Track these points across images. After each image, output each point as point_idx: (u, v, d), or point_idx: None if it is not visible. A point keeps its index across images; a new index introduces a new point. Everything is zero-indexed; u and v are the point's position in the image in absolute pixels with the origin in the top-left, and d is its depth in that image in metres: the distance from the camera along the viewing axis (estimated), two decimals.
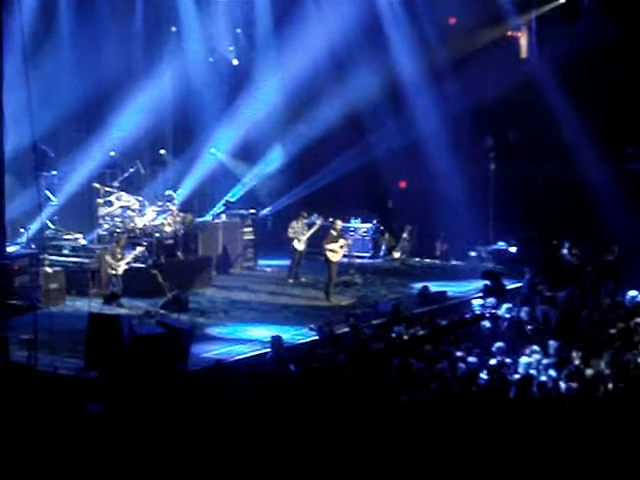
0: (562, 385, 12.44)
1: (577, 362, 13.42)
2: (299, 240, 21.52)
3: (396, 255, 24.44)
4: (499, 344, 14.42)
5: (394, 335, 15.28)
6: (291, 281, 21.54)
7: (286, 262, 22.15)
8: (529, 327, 16.12)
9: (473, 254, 24.00)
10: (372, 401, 11.52)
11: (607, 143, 23.03)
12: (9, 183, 14.20)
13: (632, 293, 16.97)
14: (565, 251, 21.86)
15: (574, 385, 12.40)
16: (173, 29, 24.12)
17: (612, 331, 15.12)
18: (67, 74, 21.55)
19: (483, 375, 12.95)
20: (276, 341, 14.71)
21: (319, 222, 21.95)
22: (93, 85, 21.31)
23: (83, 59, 21.54)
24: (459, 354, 13.72)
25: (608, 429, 10.57)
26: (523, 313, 16.70)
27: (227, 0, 24.25)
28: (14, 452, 10.53)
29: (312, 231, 21.63)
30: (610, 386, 12.41)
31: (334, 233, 20.24)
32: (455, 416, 11.15)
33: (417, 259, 24.39)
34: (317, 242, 20.93)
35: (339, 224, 20.57)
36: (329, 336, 15.83)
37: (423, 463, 10.03)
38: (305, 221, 21.96)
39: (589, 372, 12.92)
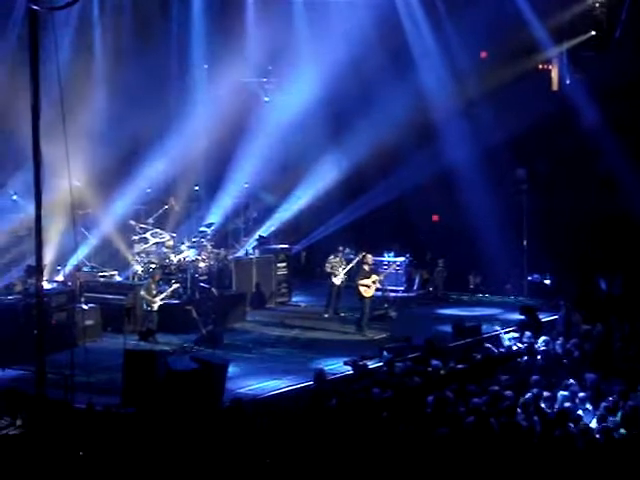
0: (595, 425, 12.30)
1: (615, 396, 13.29)
2: (336, 275, 21.51)
3: (430, 288, 24.39)
4: (535, 377, 14.33)
5: (430, 370, 15.23)
6: (326, 315, 21.51)
7: (320, 297, 22.14)
8: (565, 360, 16.01)
9: (508, 287, 23.91)
10: (409, 433, 11.48)
11: None
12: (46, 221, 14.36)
13: None
14: (601, 283, 21.73)
15: (614, 419, 12.25)
16: (205, 67, 24.41)
17: None
18: (104, 113, 21.88)
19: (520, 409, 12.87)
20: (319, 374, 14.71)
21: (358, 258, 21.85)
22: (129, 126, 21.59)
23: (119, 100, 21.82)
24: (496, 388, 13.63)
25: None
26: (558, 346, 16.59)
27: (258, 36, 24.45)
28: None
29: (350, 266, 21.60)
30: None
31: (366, 268, 20.24)
32: (493, 450, 11.08)
33: (451, 292, 24.28)
34: (352, 276, 20.96)
35: (370, 258, 20.55)
36: (364, 370, 15.81)
37: None
38: (342, 255, 21.93)
39: (629, 405, 12.78)
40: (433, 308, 22.86)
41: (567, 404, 13.11)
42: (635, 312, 18.63)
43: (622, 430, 11.88)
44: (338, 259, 21.67)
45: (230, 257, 22.58)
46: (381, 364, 16.44)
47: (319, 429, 11.79)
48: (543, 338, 16.92)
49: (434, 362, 15.38)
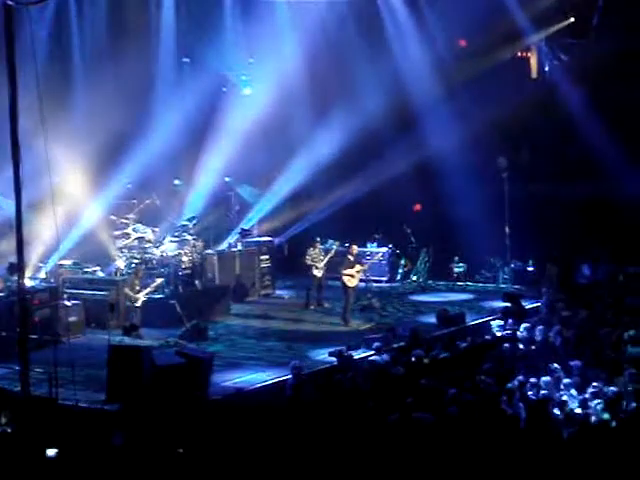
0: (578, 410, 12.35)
1: (600, 382, 13.35)
2: (317, 267, 21.55)
3: (413, 278, 24.44)
4: (519, 364, 14.40)
5: (414, 359, 15.26)
6: (312, 307, 21.54)
7: (304, 288, 22.13)
8: (548, 347, 16.07)
9: (489, 275, 24.00)
10: (389, 418, 11.50)
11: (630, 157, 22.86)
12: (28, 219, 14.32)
13: None
14: (584, 269, 21.82)
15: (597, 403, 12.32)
16: (186, 60, 24.30)
17: None
18: (83, 108, 21.76)
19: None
20: (296, 368, 14.74)
21: (335, 247, 22.03)
22: (108, 119, 21.46)
23: (98, 97, 21.69)
24: (480, 376, 13.68)
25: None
26: (540, 333, 16.65)
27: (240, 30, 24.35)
28: None
29: (329, 257, 21.68)
30: (633, 405, 12.33)
31: (351, 258, 20.27)
32: (478, 438, 11.13)
33: (434, 281, 24.32)
34: (335, 267, 20.98)
35: (355, 249, 20.61)
36: (348, 361, 15.83)
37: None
38: (321, 247, 22.00)
39: (612, 390, 12.85)
40: (417, 297, 22.89)
41: (551, 390, 13.17)
42: (617, 298, 18.73)
43: (605, 415, 11.95)
44: (317, 251, 21.72)
45: (212, 250, 22.54)
46: (366, 355, 16.46)
47: (301, 420, 11.81)
48: (525, 325, 16.98)
49: (416, 351, 15.41)
